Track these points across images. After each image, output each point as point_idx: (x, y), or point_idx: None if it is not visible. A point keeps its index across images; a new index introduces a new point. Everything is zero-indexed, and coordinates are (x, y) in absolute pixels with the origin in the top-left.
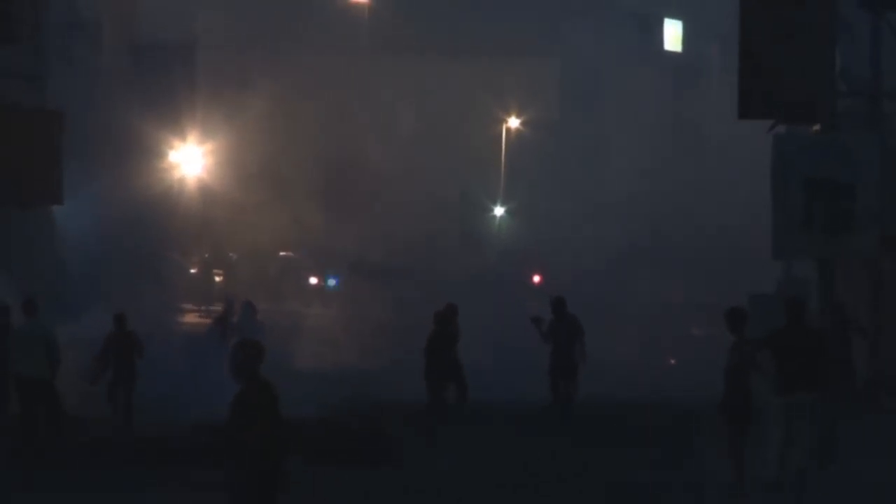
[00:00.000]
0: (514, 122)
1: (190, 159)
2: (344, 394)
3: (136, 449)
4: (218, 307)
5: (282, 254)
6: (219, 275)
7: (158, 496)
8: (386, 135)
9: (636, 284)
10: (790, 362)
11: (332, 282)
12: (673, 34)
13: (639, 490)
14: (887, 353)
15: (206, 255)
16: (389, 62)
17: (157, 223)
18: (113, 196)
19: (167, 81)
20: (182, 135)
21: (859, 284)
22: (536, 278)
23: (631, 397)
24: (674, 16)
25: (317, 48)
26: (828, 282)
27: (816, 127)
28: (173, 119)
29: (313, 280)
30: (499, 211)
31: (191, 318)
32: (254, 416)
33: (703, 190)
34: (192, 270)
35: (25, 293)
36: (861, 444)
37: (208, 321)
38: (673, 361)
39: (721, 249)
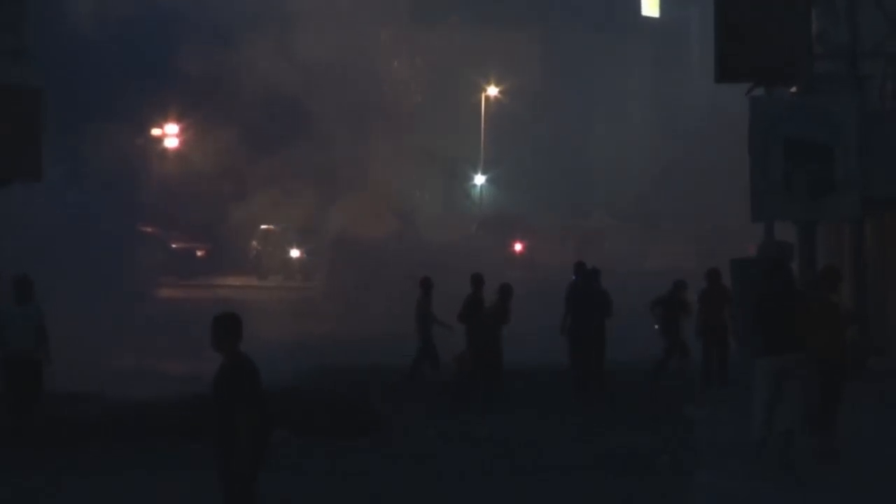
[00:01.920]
0: (492, 91)
1: (170, 134)
2: (324, 364)
3: (116, 424)
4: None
5: (263, 227)
6: (201, 249)
7: (138, 473)
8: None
9: (620, 251)
10: (776, 324)
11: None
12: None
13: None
14: (873, 317)
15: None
16: (375, 34)
17: (135, 198)
18: (90, 171)
19: (150, 55)
20: (163, 109)
21: (841, 247)
22: (518, 247)
23: (623, 361)
24: None
25: (302, 19)
26: (810, 245)
27: (794, 89)
28: (154, 93)
29: (295, 253)
30: (479, 179)
31: (171, 293)
32: (236, 392)
33: (685, 157)
34: (174, 245)
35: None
36: (848, 406)
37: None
38: (657, 326)
39: (706, 215)
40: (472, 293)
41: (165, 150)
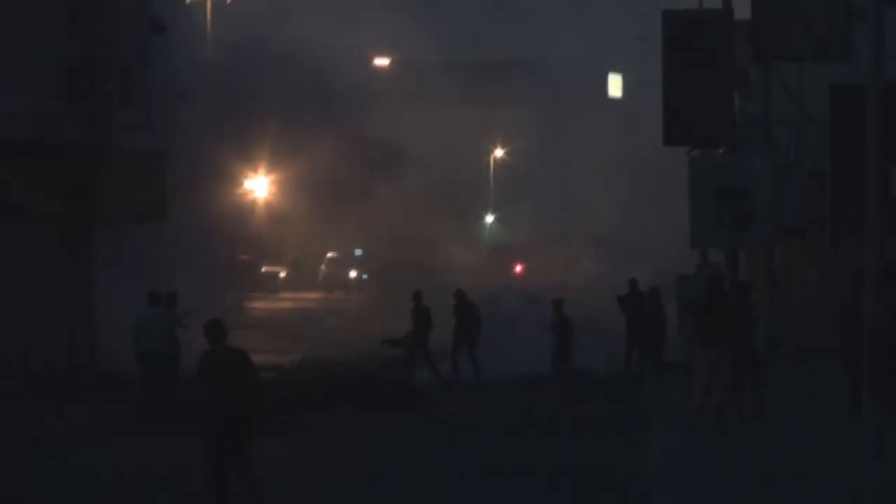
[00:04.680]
0: (499, 152)
1: (259, 186)
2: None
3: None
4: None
5: (329, 254)
6: (284, 272)
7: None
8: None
9: (595, 273)
10: (711, 323)
11: (364, 276)
12: (615, 84)
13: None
14: (781, 317)
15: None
16: (407, 110)
17: (234, 234)
18: (203, 214)
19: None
20: (254, 166)
21: (758, 267)
22: (518, 268)
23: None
24: (616, 70)
25: (347, 100)
26: (734, 266)
27: (722, 150)
28: (247, 155)
29: (353, 273)
30: (490, 217)
31: (260, 305)
32: (213, 373)
33: (641, 201)
34: (263, 269)
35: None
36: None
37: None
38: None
39: (657, 244)
40: (456, 305)
41: (256, 199)
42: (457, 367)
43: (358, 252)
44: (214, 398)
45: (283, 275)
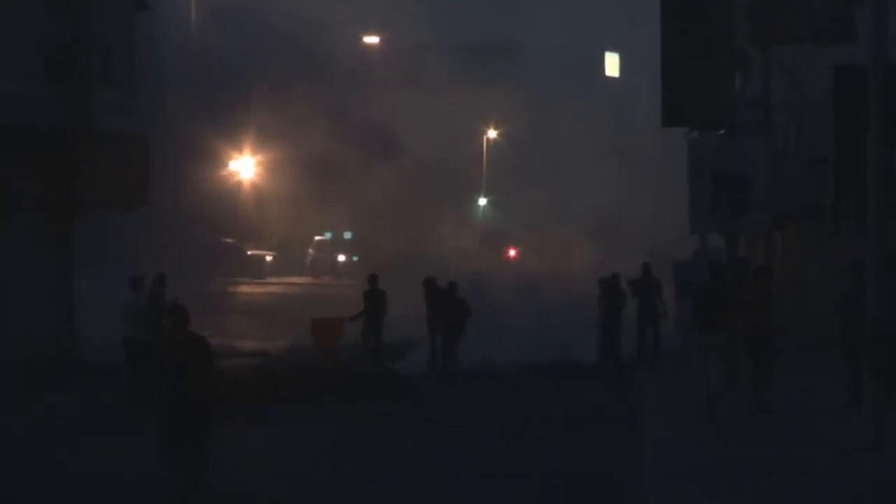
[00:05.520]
0: (492, 134)
1: (245, 167)
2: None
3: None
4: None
5: (317, 238)
6: (271, 255)
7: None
8: (398, 147)
9: (585, 259)
10: (709, 310)
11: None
12: (612, 63)
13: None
14: (777, 303)
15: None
16: (398, 90)
17: (219, 217)
18: (186, 197)
19: (228, 108)
20: (239, 147)
21: (757, 252)
22: (512, 252)
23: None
24: (612, 49)
25: (340, 81)
26: (734, 251)
27: (721, 132)
28: (232, 136)
29: (342, 258)
30: (482, 201)
31: (246, 289)
32: (169, 358)
33: (636, 183)
34: (249, 252)
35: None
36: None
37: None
38: None
39: (650, 228)
40: (425, 293)
41: (242, 181)
42: (435, 357)
43: (347, 235)
44: (168, 379)
45: (269, 259)
